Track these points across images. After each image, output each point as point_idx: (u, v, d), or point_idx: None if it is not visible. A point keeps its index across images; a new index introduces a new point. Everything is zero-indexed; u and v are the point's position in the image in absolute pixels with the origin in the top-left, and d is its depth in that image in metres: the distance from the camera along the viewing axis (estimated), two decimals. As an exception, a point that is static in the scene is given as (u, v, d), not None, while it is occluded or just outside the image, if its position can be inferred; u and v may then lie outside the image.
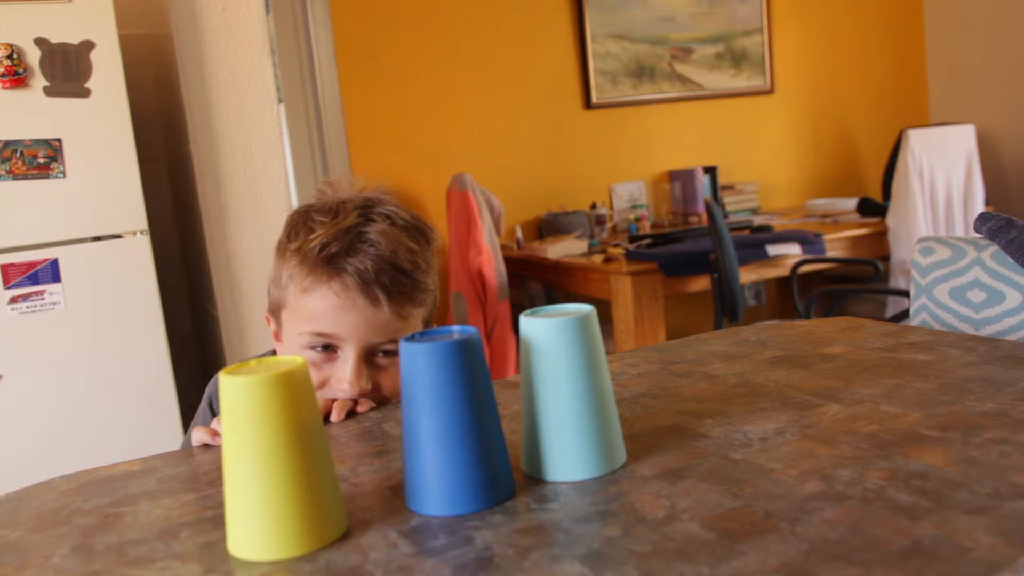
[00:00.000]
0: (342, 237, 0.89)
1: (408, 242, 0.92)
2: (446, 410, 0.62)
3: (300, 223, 0.94)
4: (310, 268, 0.89)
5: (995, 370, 0.84)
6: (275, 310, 0.98)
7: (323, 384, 0.92)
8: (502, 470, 0.64)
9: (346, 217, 0.91)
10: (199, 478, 0.77)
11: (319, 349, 0.91)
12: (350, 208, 0.93)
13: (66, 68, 1.94)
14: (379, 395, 0.93)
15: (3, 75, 1.88)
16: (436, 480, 0.62)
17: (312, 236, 0.90)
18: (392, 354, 0.92)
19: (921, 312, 1.29)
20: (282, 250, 0.95)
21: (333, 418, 0.88)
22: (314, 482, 0.59)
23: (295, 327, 0.92)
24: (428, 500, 0.62)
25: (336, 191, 0.98)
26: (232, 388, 0.58)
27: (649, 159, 3.77)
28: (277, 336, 1.00)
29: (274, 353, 1.06)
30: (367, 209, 0.93)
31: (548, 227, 3.39)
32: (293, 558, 0.58)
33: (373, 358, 0.92)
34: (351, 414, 0.91)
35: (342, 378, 0.90)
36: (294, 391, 0.59)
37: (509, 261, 3.10)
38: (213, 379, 1.04)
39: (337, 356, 0.91)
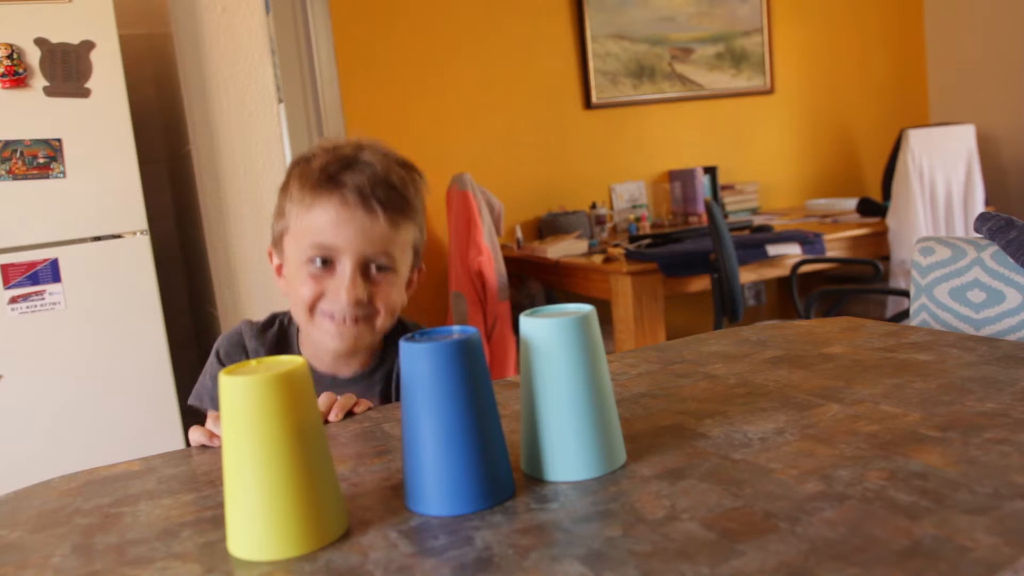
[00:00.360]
0: (340, 160, 0.98)
1: (398, 168, 1.00)
2: (446, 410, 0.62)
3: (300, 161, 1.02)
4: (311, 187, 0.97)
5: (995, 370, 0.84)
6: (277, 241, 1.04)
7: (320, 296, 0.98)
8: (502, 470, 0.64)
9: (343, 149, 1.00)
10: (199, 478, 0.77)
11: (318, 264, 0.97)
12: (346, 146, 1.02)
13: (66, 68, 1.94)
14: (372, 308, 0.99)
15: (3, 75, 1.88)
16: (436, 480, 0.62)
17: (313, 162, 0.99)
18: (384, 268, 0.99)
19: (921, 312, 1.29)
20: (284, 186, 1.02)
21: (332, 417, 0.88)
22: (314, 482, 0.59)
23: (297, 247, 0.99)
24: (428, 500, 0.62)
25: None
26: (232, 388, 0.58)
27: (649, 159, 3.77)
28: (280, 271, 1.05)
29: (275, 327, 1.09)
30: (361, 145, 1.02)
31: (548, 227, 3.39)
32: (293, 558, 0.58)
33: (367, 272, 0.98)
34: (349, 414, 0.91)
35: (339, 287, 0.97)
36: (294, 391, 0.59)
37: (509, 261, 3.10)
38: (225, 335, 1.08)
39: (335, 270, 0.97)
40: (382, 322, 1.00)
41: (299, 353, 1.06)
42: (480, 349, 0.64)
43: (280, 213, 1.03)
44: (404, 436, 0.64)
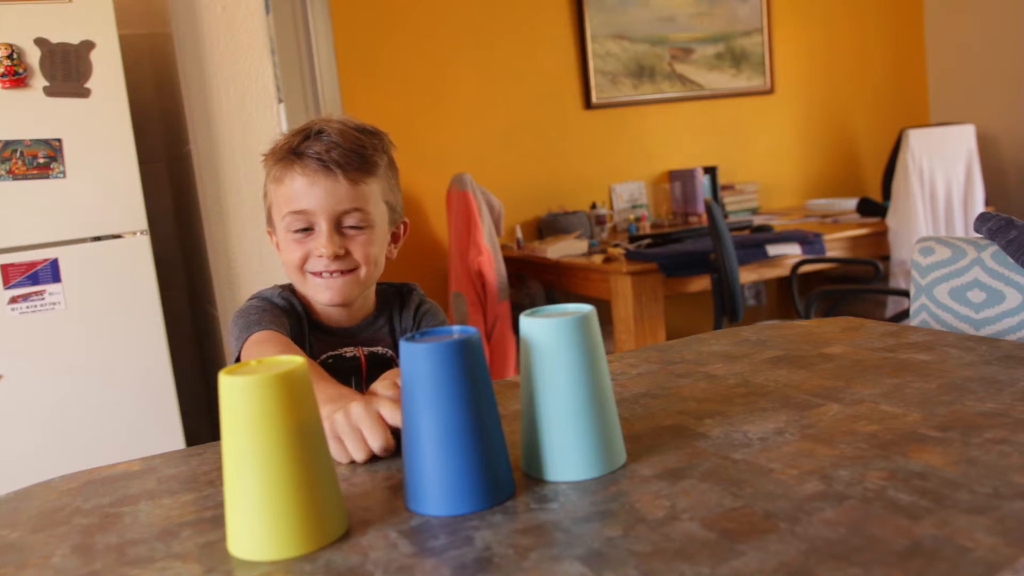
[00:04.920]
0: (300, 133, 1.08)
1: (356, 133, 1.10)
2: (446, 410, 0.62)
3: (271, 145, 1.12)
4: (279, 161, 1.08)
5: (995, 370, 0.84)
6: (269, 218, 1.14)
7: (306, 258, 1.08)
8: (502, 470, 0.64)
9: (307, 126, 1.10)
10: (199, 478, 0.77)
11: (299, 231, 1.07)
12: (311, 124, 1.11)
13: (66, 68, 1.94)
14: (352, 261, 1.08)
15: (3, 75, 1.88)
16: (436, 480, 0.62)
17: (279, 141, 1.10)
18: (357, 224, 1.08)
19: (921, 312, 1.29)
20: (265, 173, 1.13)
21: (389, 419, 0.78)
22: (314, 482, 0.59)
23: (279, 218, 1.09)
24: (428, 500, 0.62)
25: None
26: (232, 388, 0.58)
27: (649, 159, 3.77)
28: (279, 246, 1.14)
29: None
30: (325, 120, 1.11)
31: (548, 227, 3.39)
32: (293, 558, 0.58)
33: (341, 229, 1.08)
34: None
35: (319, 246, 1.06)
36: (294, 391, 0.59)
37: (509, 261, 3.10)
38: (253, 296, 1.14)
39: (314, 231, 1.07)
40: (365, 274, 1.09)
41: (308, 312, 1.14)
42: (480, 349, 0.64)
43: (264, 193, 1.14)
44: (404, 436, 0.64)
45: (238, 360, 1.06)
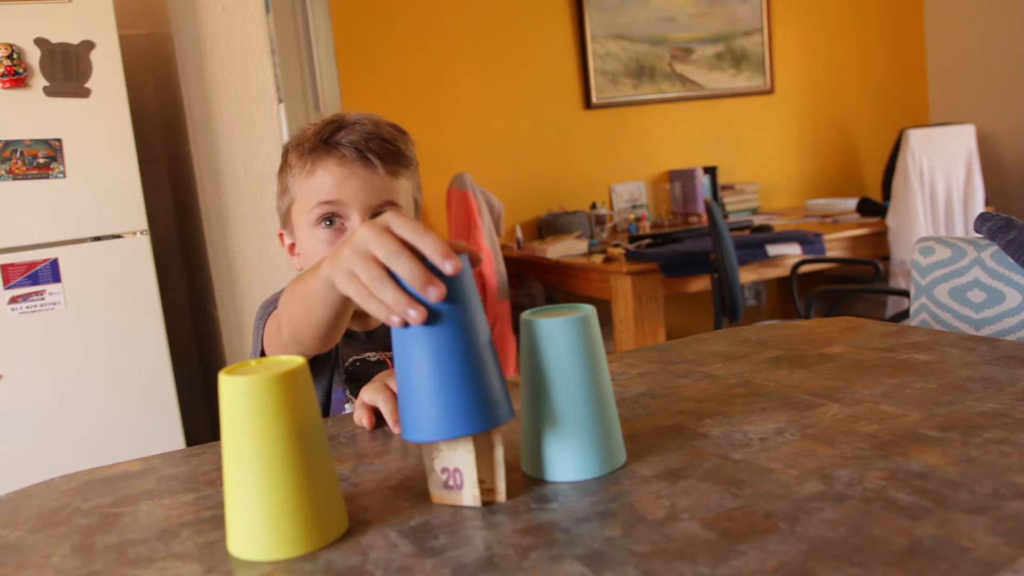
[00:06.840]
0: (331, 124, 1.03)
1: (387, 126, 1.06)
2: (439, 330, 0.59)
3: (294, 139, 1.07)
4: (310, 152, 1.02)
5: (995, 370, 0.84)
6: (285, 218, 1.09)
7: None
8: (499, 391, 0.62)
9: (332, 118, 1.05)
10: (199, 478, 0.77)
11: (328, 225, 1.02)
12: (334, 116, 1.06)
13: (66, 68, 1.94)
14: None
15: (3, 75, 1.88)
16: (431, 403, 0.60)
17: (306, 133, 1.04)
18: None
19: (921, 312, 1.29)
20: (283, 166, 1.08)
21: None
22: (314, 482, 0.59)
23: (305, 212, 1.03)
24: (423, 426, 0.60)
25: None
26: (232, 388, 0.58)
27: (649, 159, 3.78)
28: (292, 249, 1.09)
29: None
30: (348, 113, 1.07)
31: (548, 227, 3.39)
32: (293, 558, 0.58)
33: None
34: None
35: None
36: (294, 391, 0.59)
37: (509, 261, 3.10)
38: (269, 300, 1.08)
39: (345, 229, 1.02)
40: None
41: None
42: (469, 271, 0.61)
43: (283, 190, 1.08)
44: (395, 364, 0.62)
45: (262, 353, 1.01)
